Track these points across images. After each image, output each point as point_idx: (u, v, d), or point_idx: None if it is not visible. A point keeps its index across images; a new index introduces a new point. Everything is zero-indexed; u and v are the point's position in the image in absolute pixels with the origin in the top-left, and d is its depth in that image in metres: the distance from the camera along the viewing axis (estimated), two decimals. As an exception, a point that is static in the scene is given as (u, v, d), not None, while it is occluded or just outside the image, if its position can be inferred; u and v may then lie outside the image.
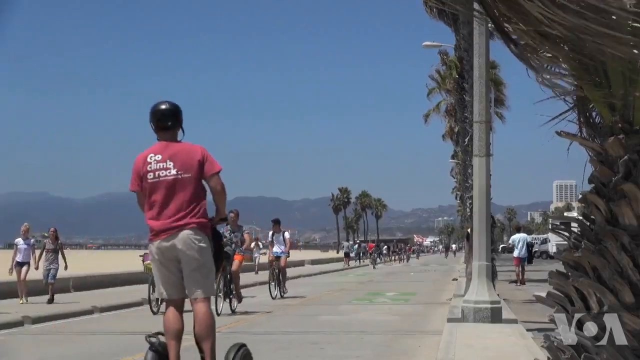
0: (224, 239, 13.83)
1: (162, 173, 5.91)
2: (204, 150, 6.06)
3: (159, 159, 5.94)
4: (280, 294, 19.37)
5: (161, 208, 5.89)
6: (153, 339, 5.88)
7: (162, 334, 5.88)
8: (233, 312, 14.57)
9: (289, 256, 20.34)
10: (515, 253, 25.01)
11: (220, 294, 14.27)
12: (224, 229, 14.52)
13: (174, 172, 5.89)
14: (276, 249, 19.65)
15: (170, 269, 5.92)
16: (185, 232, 5.81)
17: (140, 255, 15.82)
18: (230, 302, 14.66)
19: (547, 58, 2.78)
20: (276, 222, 19.82)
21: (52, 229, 17.85)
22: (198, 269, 5.85)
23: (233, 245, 14.62)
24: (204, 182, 6.01)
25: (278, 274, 19.47)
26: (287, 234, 20.15)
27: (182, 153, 5.95)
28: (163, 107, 6.10)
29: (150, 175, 5.93)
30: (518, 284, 24.34)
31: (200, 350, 5.80)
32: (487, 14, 2.58)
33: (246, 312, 14.77)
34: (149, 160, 5.97)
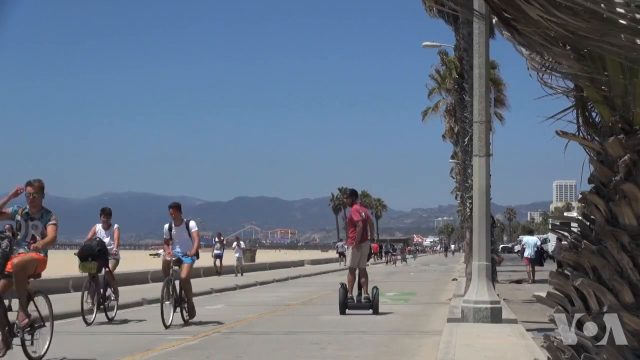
0: (14, 226, 9.10)
1: (362, 216, 14.60)
2: (367, 210, 16.06)
3: (360, 211, 14.82)
4: (183, 317, 12.61)
5: (363, 231, 14.59)
6: (341, 282, 14.81)
7: (345, 283, 14.63)
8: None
9: (196, 259, 13.11)
10: (525, 254, 27.93)
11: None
12: (19, 212, 8.95)
13: (363, 216, 14.71)
14: (177, 248, 12.90)
15: (358, 255, 14.54)
16: (368, 241, 14.88)
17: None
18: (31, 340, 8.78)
19: (547, 57, 2.78)
20: (176, 209, 13.04)
21: None
22: (366, 256, 14.97)
23: (27, 238, 8.87)
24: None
25: (180, 291, 12.61)
26: (193, 225, 13.08)
27: (365, 210, 15.33)
28: (350, 192, 15.62)
29: (359, 217, 14.62)
30: (530, 282, 26.24)
31: (359, 287, 14.63)
32: (487, 5, 2.57)
33: None
34: (360, 212, 14.67)
